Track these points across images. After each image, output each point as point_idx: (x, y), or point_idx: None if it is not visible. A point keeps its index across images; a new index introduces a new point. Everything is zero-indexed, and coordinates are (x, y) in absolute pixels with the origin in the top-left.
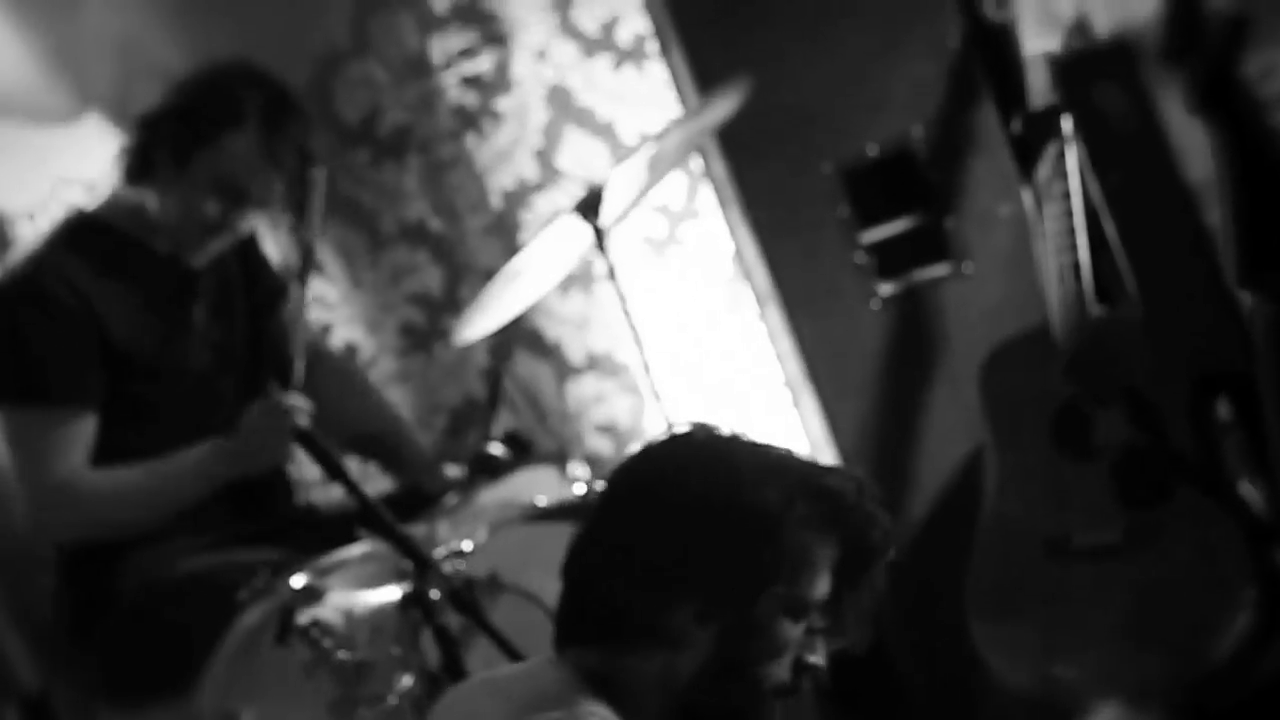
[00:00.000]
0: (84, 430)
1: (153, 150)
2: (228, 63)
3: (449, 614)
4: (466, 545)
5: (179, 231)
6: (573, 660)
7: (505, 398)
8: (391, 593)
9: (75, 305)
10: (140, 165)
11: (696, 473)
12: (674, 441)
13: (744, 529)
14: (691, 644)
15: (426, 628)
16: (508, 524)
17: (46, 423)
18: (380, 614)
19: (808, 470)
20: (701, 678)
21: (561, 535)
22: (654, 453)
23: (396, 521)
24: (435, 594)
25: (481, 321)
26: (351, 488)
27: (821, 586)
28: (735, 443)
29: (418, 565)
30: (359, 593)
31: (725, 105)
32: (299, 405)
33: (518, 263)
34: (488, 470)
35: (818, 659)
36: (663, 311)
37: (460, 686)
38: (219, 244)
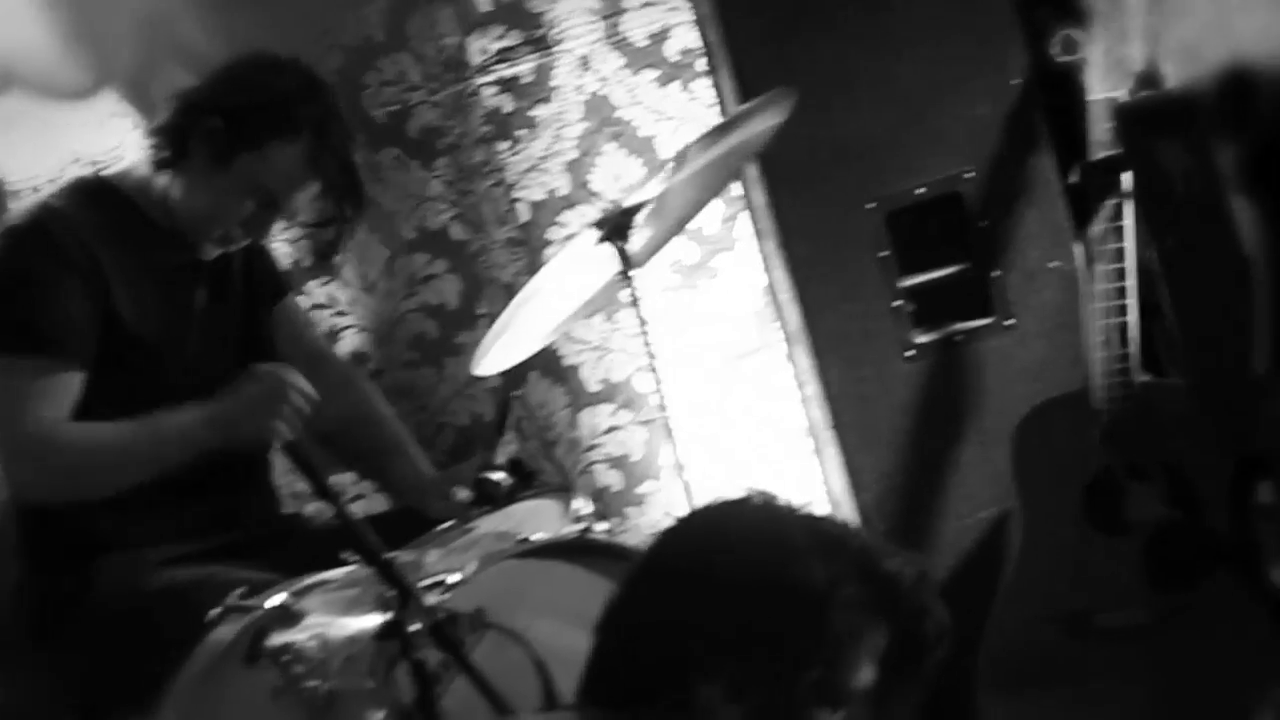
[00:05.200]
0: (69, 386)
1: (191, 139)
2: (286, 64)
3: (428, 649)
4: (453, 577)
5: (202, 223)
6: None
7: (513, 422)
8: (371, 621)
9: (82, 259)
10: (175, 151)
11: (742, 544)
12: (726, 507)
13: (784, 607)
14: None
15: (403, 661)
16: (499, 558)
17: (32, 373)
18: (356, 643)
19: (863, 551)
20: None
21: (554, 574)
22: (703, 518)
23: (381, 545)
24: (415, 626)
25: (502, 351)
26: (336, 505)
27: (864, 675)
28: (789, 514)
29: (399, 594)
30: (337, 618)
31: (764, 123)
32: (299, 383)
33: (536, 284)
34: (488, 498)
35: None
36: (688, 343)
37: None
38: (238, 243)
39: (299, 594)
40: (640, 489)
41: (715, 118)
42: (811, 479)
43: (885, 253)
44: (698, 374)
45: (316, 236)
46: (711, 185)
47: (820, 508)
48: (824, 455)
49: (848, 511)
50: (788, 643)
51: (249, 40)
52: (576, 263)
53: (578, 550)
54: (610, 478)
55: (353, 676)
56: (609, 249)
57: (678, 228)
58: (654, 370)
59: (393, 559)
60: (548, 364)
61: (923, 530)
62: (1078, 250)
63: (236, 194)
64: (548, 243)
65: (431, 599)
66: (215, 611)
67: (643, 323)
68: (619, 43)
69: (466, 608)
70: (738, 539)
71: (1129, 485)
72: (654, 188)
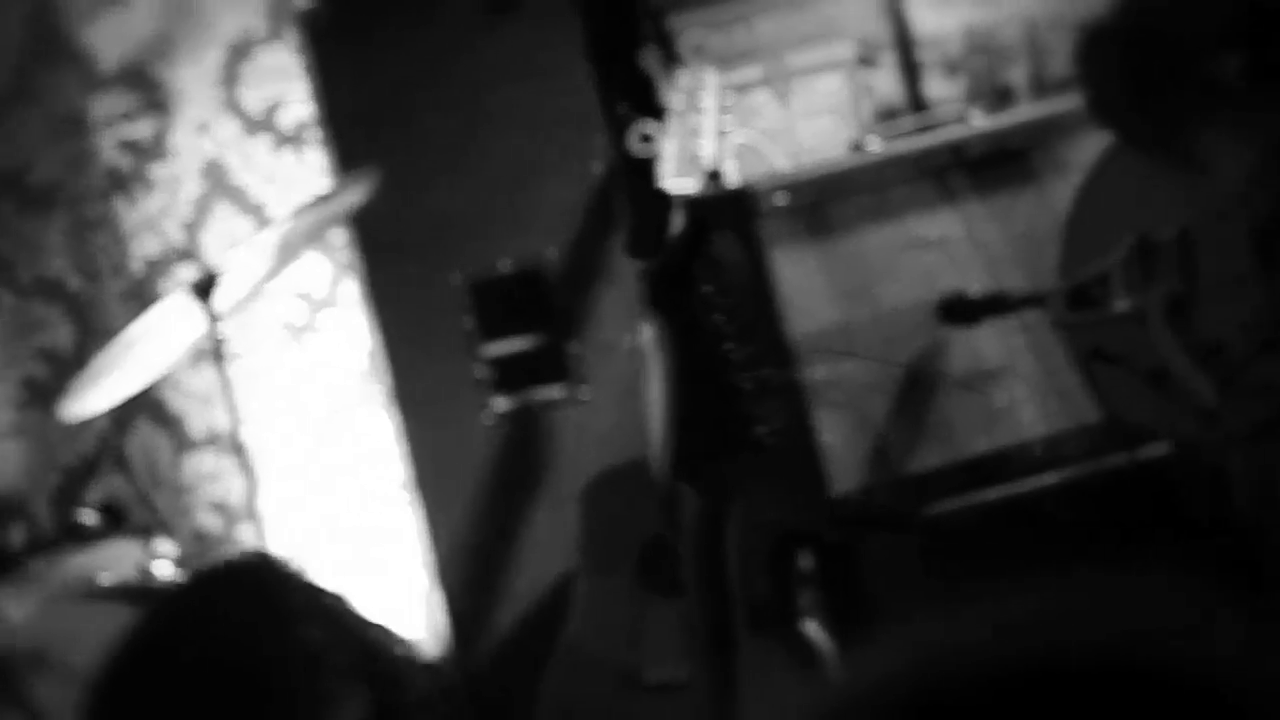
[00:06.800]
0: None
1: None
2: None
3: None
4: (15, 617)
5: None
6: None
7: (115, 464)
8: None
9: None
10: None
11: (237, 607)
12: (221, 570)
13: (278, 667)
14: None
15: None
16: (62, 599)
17: None
18: None
19: (351, 620)
20: None
21: (115, 616)
22: (198, 581)
23: None
24: None
25: (95, 396)
26: None
27: None
28: (286, 577)
29: None
30: None
31: (354, 197)
32: None
33: (129, 337)
34: (75, 537)
35: None
36: (293, 398)
37: None
38: None
39: None
40: (239, 532)
41: (325, 185)
42: (408, 530)
43: (468, 322)
44: (302, 426)
45: None
46: (295, 253)
47: (416, 557)
48: (416, 510)
49: (429, 564)
50: (274, 703)
51: None
52: (172, 317)
53: (139, 595)
54: (211, 521)
55: None
56: (197, 307)
57: (259, 291)
58: (235, 419)
59: None
60: (154, 409)
61: (494, 584)
62: (646, 328)
63: None
64: (160, 296)
65: None
66: None
67: (224, 377)
68: (236, 110)
69: (26, 647)
70: (233, 602)
71: (680, 550)
72: (243, 252)
